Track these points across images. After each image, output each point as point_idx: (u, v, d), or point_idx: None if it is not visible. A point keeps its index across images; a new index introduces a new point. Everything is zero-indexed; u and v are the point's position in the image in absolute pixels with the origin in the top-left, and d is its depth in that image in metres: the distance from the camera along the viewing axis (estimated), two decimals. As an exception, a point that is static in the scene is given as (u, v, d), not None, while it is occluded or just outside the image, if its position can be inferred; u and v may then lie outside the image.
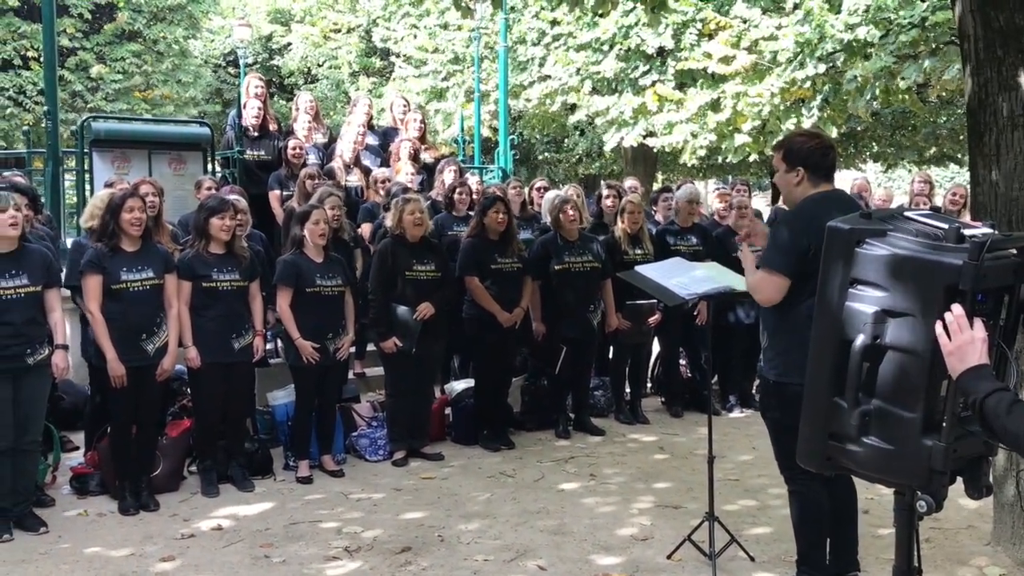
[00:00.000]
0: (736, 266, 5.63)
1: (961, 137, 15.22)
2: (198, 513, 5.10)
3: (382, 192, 7.70)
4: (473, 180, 8.52)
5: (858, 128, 16.03)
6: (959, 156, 17.29)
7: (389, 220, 6.29)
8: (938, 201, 8.43)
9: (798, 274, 3.46)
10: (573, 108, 16.00)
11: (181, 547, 4.57)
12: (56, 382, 5.25)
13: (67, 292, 5.46)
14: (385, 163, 8.80)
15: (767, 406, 3.76)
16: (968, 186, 5.29)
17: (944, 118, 15.75)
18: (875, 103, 12.26)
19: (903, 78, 11.01)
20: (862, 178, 9.73)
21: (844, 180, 10.68)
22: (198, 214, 5.64)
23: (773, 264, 3.53)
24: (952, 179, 24.55)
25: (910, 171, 19.49)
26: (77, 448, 6.09)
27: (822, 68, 12.16)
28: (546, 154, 21.17)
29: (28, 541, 4.63)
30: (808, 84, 12.35)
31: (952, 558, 4.33)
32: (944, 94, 13.20)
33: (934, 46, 10.65)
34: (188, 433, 5.65)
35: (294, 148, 8.19)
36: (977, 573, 4.17)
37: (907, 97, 12.15)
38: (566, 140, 20.06)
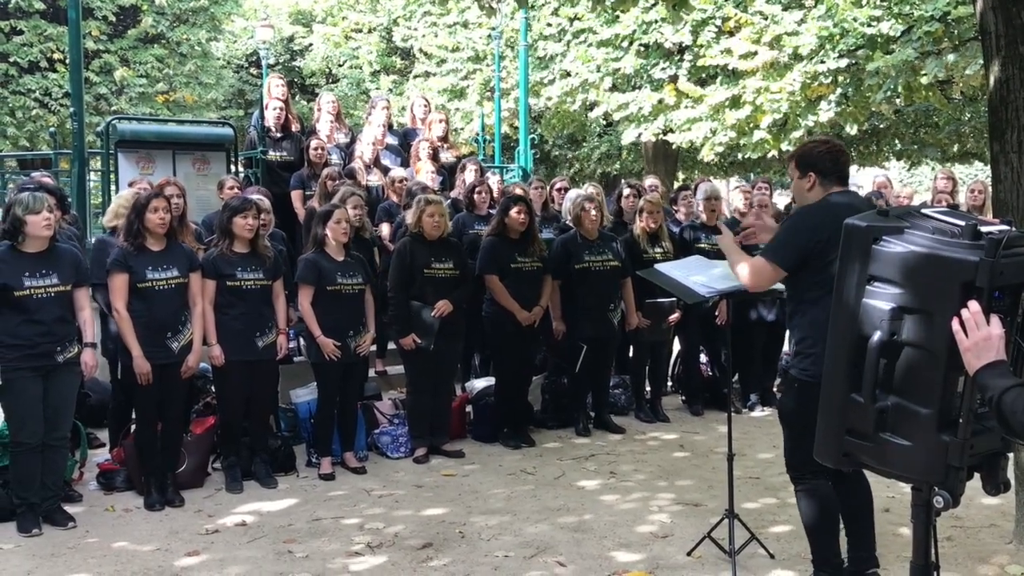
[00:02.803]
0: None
1: (985, 134, 15.10)
2: (222, 509, 5.16)
3: (402, 193, 7.74)
4: (494, 179, 8.55)
5: (880, 126, 15.94)
6: (984, 153, 17.13)
7: (409, 218, 6.34)
8: (962, 198, 8.37)
9: (798, 269, 3.54)
10: (593, 107, 15.99)
11: (206, 542, 4.63)
12: (84, 379, 5.33)
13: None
14: (405, 163, 8.86)
15: (785, 402, 3.78)
16: (988, 182, 5.27)
17: (968, 115, 15.61)
18: (897, 100, 12.19)
19: (924, 74, 10.95)
20: (883, 176, 9.69)
21: (866, 177, 10.65)
22: (222, 213, 5.71)
23: (775, 255, 3.60)
24: (975, 176, 24.31)
25: (933, 169, 19.33)
26: (103, 445, 6.18)
27: (843, 63, 12.11)
28: (561, 152, 21.13)
29: (56, 536, 4.71)
30: (829, 79, 12.30)
31: (973, 556, 4.32)
32: (967, 91, 13.11)
33: (957, 42, 10.58)
34: (212, 430, 5.72)
35: (316, 148, 8.26)
36: (998, 571, 4.15)
37: (930, 94, 12.07)
38: (585, 141, 20.03)
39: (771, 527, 4.74)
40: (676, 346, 7.81)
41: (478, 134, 14.59)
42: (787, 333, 7.59)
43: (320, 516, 5.02)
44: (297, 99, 21.65)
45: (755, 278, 3.68)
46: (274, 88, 8.95)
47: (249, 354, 5.50)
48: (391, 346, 7.19)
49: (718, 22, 13.74)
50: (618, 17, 14.72)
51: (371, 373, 7.10)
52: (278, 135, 8.69)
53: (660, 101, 14.36)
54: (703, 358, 7.75)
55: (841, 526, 3.80)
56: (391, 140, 9.25)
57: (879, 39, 11.69)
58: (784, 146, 13.56)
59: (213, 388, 5.96)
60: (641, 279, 5.37)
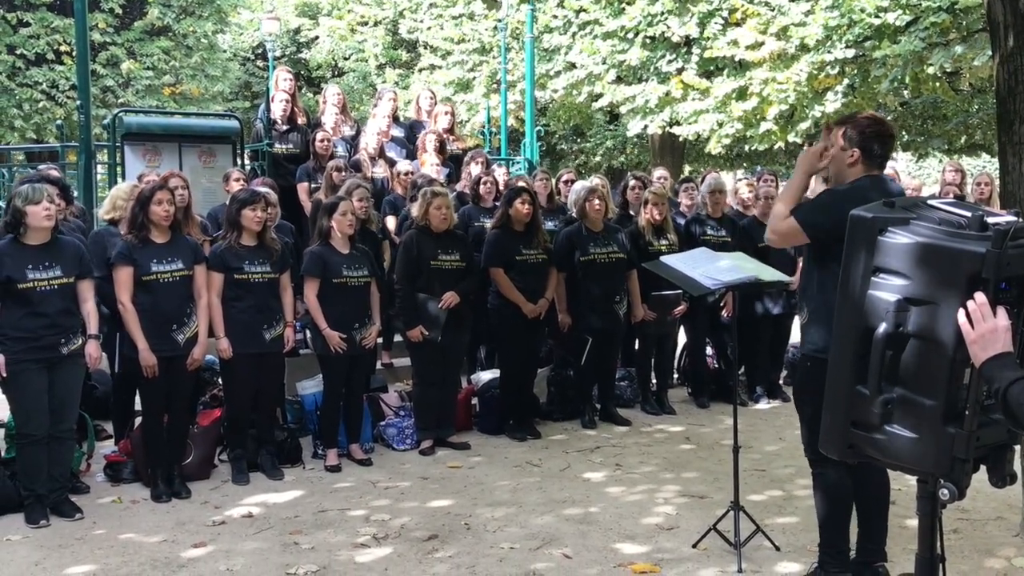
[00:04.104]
0: (762, 256, 5.64)
1: (993, 126, 15.03)
2: (229, 501, 5.18)
3: (407, 185, 7.73)
4: (500, 172, 8.54)
5: (887, 117, 15.91)
6: (991, 145, 17.07)
7: (415, 210, 6.34)
8: (969, 190, 8.34)
9: (819, 241, 3.54)
10: (598, 99, 15.95)
11: (212, 533, 4.65)
12: (89, 371, 5.33)
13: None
14: (411, 155, 8.86)
15: (803, 385, 3.75)
16: (995, 174, 5.24)
17: (975, 107, 15.56)
18: (905, 91, 12.16)
19: (931, 64, 10.90)
20: (891, 168, 9.63)
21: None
22: (230, 206, 5.71)
23: (803, 215, 3.59)
24: (983, 168, 24.21)
25: (941, 161, 19.27)
26: (110, 436, 6.21)
27: (850, 54, 12.07)
28: (567, 144, 21.09)
29: (64, 527, 4.73)
30: (836, 71, 12.25)
31: (980, 549, 4.31)
32: (975, 82, 13.06)
33: (964, 33, 10.53)
34: (219, 422, 5.74)
35: (322, 140, 8.27)
36: (1005, 564, 4.14)
37: (937, 85, 12.03)
38: (589, 133, 20.00)
39: (776, 519, 4.74)
40: (682, 338, 7.80)
41: (484, 126, 14.57)
42: (794, 322, 7.63)
43: (326, 508, 5.03)
44: (303, 92, 21.66)
45: (775, 227, 3.68)
46: (282, 81, 8.96)
47: (256, 347, 5.51)
48: (397, 338, 7.21)
49: (724, 13, 13.69)
50: (624, 9, 14.68)
51: (377, 365, 7.11)
52: (284, 128, 8.70)
53: (667, 93, 14.32)
54: (709, 350, 7.74)
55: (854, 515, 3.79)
56: (397, 132, 9.25)
57: (886, 30, 11.64)
58: (791, 137, 13.51)
59: (220, 380, 5.98)
60: (647, 271, 5.35)
